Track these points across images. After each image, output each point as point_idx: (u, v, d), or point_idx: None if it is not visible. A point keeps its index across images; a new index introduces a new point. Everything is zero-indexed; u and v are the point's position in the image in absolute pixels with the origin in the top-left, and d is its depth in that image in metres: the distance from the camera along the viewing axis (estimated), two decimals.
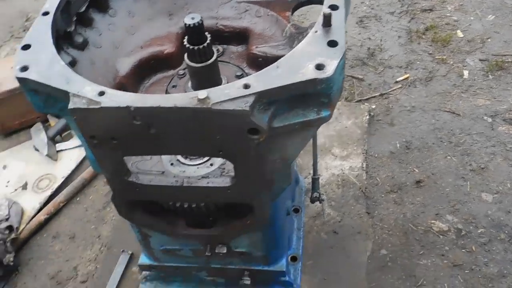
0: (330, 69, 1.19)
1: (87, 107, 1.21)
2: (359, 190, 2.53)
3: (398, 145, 2.82)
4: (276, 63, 1.24)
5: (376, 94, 3.19)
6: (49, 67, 1.38)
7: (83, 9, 1.82)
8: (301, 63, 1.21)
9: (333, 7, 1.36)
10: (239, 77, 1.87)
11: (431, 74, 3.28)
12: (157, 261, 1.93)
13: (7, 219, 2.71)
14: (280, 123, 1.26)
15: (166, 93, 1.87)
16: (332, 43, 1.27)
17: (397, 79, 3.28)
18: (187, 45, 1.61)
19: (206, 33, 1.64)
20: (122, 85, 1.83)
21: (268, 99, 1.20)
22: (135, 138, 1.31)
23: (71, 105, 1.25)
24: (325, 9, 1.29)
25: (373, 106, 3.09)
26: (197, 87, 1.79)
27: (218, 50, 2.04)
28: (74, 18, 1.78)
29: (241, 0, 2.01)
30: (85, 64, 1.79)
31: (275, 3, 1.95)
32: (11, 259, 2.48)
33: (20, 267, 2.54)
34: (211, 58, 1.70)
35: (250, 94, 1.16)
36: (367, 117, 2.94)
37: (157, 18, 2.05)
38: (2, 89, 3.07)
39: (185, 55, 1.67)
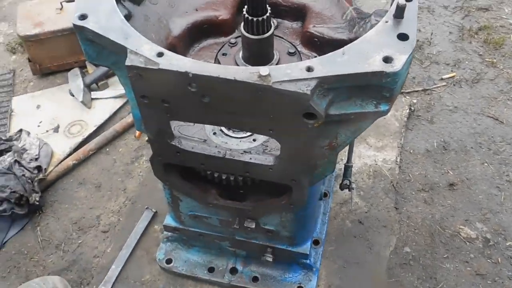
0: (398, 64, 1.13)
1: (145, 67, 1.20)
2: (390, 184, 2.48)
3: (435, 144, 2.74)
4: (342, 49, 1.19)
5: (419, 89, 3.08)
6: (108, 19, 1.35)
7: None
8: (368, 53, 1.16)
9: None
10: (291, 54, 1.82)
11: (478, 76, 3.15)
12: (182, 224, 1.96)
13: (36, 159, 2.76)
14: (336, 111, 1.22)
15: (215, 60, 1.84)
16: (403, 37, 1.21)
17: (443, 76, 3.16)
18: (246, 15, 1.56)
19: (267, 5, 1.58)
20: (173, 46, 1.80)
21: (330, 85, 1.16)
22: (187, 105, 1.30)
23: (128, 62, 1.23)
24: None
25: (414, 101, 2.99)
26: (248, 58, 1.75)
27: (273, 23, 1.98)
28: None
29: None
30: (140, 19, 1.76)
31: None
32: (37, 198, 2.54)
33: (44, 208, 2.61)
34: (268, 31, 1.65)
35: (312, 78, 1.12)
36: (407, 111, 2.85)
37: None
38: (44, 30, 3.07)
39: (241, 25, 1.62)
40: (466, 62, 3.26)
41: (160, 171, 1.65)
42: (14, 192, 2.51)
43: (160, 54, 1.21)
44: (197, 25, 1.87)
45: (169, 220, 1.99)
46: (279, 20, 1.99)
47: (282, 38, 1.94)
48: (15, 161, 2.64)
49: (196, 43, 1.93)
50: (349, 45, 1.20)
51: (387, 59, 1.16)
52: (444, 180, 2.56)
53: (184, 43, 1.86)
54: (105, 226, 2.51)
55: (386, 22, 1.22)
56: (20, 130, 2.86)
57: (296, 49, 1.87)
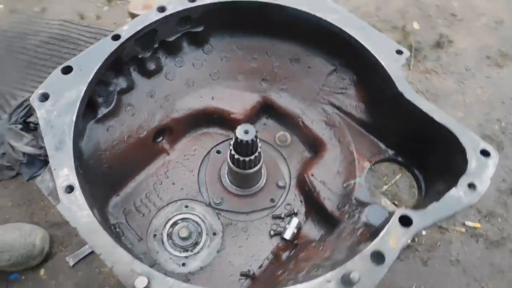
0: None
1: (46, 195, 1.36)
2: None
3: None
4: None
5: None
6: (61, 113, 1.47)
7: (172, 38, 1.86)
8: None
9: None
10: (280, 187, 1.90)
11: (502, 240, 2.95)
12: None
13: None
14: None
15: (209, 152, 1.95)
16: None
17: (466, 222, 3.00)
18: (235, 155, 1.65)
19: (258, 141, 1.64)
20: (168, 126, 1.92)
21: None
22: None
23: (38, 181, 1.40)
24: None
25: (423, 233, 2.92)
26: (233, 181, 1.85)
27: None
28: (156, 45, 1.81)
29: (342, 118, 1.93)
30: (141, 92, 1.87)
31: (364, 144, 1.86)
32: None
33: None
34: (256, 166, 1.74)
35: None
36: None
37: (248, 74, 2.04)
38: None
39: (228, 158, 1.72)
40: (499, 219, 3.06)
41: None
42: None
43: (69, 189, 1.32)
44: (207, 112, 1.98)
45: None
46: (289, 135, 2.03)
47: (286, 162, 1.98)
48: None
49: (200, 127, 2.03)
50: None
51: None
52: None
53: (184, 125, 1.98)
54: None
55: (328, 282, 1.17)
56: None
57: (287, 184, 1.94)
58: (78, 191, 1.32)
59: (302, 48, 1.95)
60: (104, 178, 1.73)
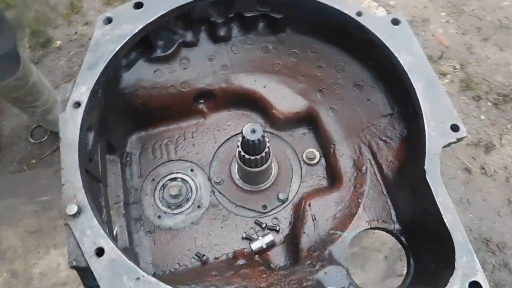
0: None
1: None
2: None
3: None
4: None
5: None
6: None
7: (249, 14, 1.87)
8: None
9: None
10: (279, 200, 1.84)
11: None
12: None
13: None
14: None
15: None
16: None
17: None
18: (241, 152, 1.64)
19: (267, 141, 1.60)
20: (212, 93, 1.96)
21: None
22: None
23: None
24: None
25: None
26: (250, 180, 1.84)
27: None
28: (231, 15, 1.87)
29: (371, 166, 1.76)
30: (202, 52, 1.96)
31: (376, 203, 1.67)
32: None
33: None
34: (263, 165, 1.71)
35: None
36: None
37: (309, 79, 1.96)
38: None
39: (236, 153, 1.70)
40: None
41: None
42: None
43: (77, 105, 1.46)
44: (254, 97, 1.99)
45: None
46: None
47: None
48: None
49: (243, 107, 2.07)
50: None
51: None
52: None
53: (229, 99, 2.05)
54: None
55: None
56: None
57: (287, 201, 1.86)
58: (82, 110, 1.47)
59: (370, 76, 1.77)
60: (134, 111, 1.88)
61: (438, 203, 1.31)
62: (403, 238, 1.58)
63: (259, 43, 1.95)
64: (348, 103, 1.84)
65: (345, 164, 1.78)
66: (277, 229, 1.79)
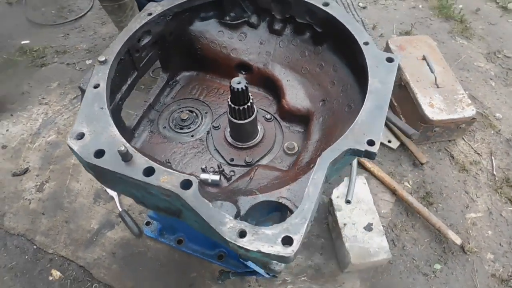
0: None
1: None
2: None
3: None
4: None
5: None
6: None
7: (300, 20, 2.32)
8: None
9: None
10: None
11: None
12: None
13: None
14: None
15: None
16: None
17: None
18: (231, 104, 2.08)
19: (250, 94, 2.01)
20: (250, 68, 2.45)
21: None
22: None
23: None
24: None
25: None
26: (235, 135, 2.25)
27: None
28: (287, 15, 2.34)
29: None
30: (257, 36, 2.48)
31: None
32: None
33: None
34: (251, 115, 2.11)
35: None
36: None
37: (322, 88, 2.30)
38: None
39: (228, 111, 2.13)
40: None
41: None
42: None
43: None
44: (276, 84, 2.41)
45: None
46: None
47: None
48: None
49: (269, 90, 2.46)
50: None
51: None
52: None
53: (261, 79, 2.47)
54: None
55: None
56: None
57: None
58: (150, 17, 2.13)
59: (359, 100, 2.03)
60: (193, 53, 2.50)
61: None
62: None
63: (300, 48, 2.37)
64: (334, 116, 2.12)
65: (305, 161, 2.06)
66: (228, 177, 2.15)
